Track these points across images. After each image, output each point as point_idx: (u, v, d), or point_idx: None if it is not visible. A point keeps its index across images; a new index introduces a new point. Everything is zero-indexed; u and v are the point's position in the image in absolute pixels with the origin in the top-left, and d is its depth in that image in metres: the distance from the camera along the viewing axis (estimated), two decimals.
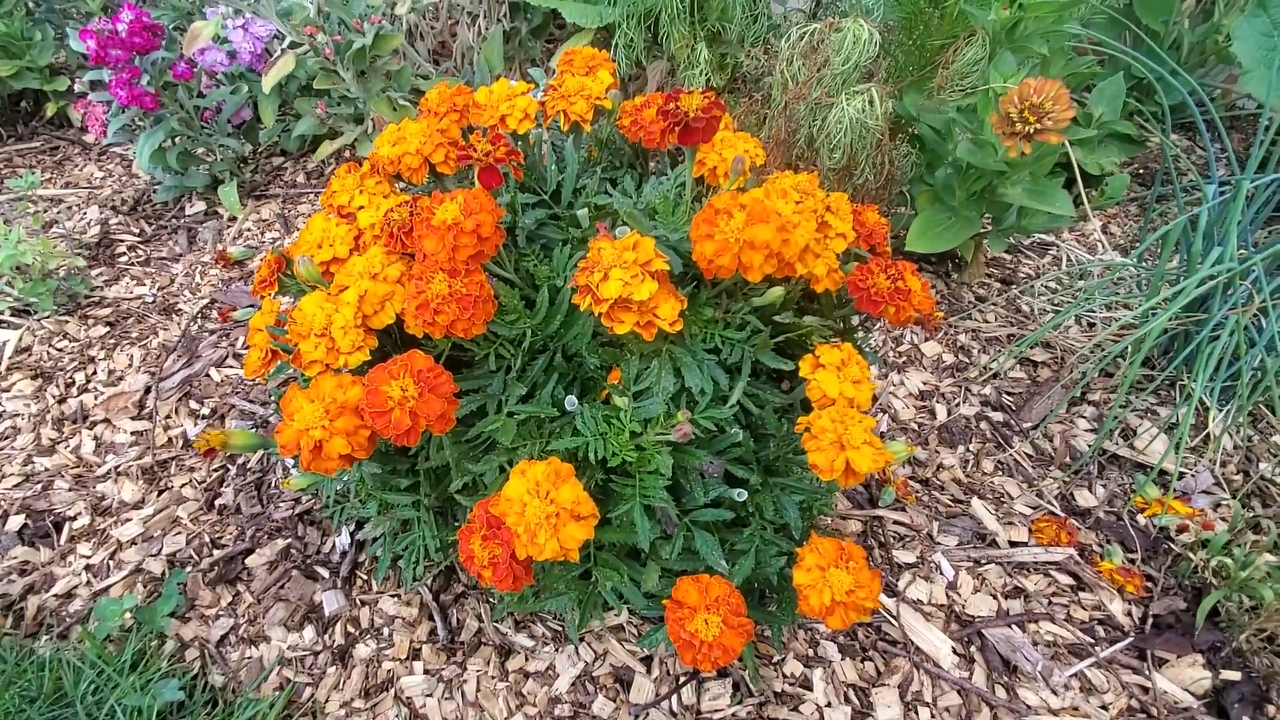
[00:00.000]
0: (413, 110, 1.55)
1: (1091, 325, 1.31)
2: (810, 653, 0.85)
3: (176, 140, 1.45)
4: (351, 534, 0.92)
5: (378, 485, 0.78)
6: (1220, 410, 1.10)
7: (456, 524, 0.83)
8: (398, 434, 0.58)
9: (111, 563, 0.92)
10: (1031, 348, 1.25)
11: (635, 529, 0.65)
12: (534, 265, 0.71)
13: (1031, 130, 0.97)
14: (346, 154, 1.66)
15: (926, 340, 1.28)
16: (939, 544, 0.97)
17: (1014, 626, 0.88)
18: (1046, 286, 1.45)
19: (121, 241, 1.49)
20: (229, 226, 1.53)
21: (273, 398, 0.97)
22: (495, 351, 0.69)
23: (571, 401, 0.67)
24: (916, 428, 1.15)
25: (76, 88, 1.37)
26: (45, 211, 1.58)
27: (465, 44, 1.71)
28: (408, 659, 0.84)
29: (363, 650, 0.85)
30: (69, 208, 1.60)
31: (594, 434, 0.65)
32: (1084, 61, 1.38)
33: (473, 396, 0.70)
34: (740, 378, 0.71)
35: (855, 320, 0.88)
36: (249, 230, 1.51)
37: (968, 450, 1.11)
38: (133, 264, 1.44)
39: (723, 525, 0.73)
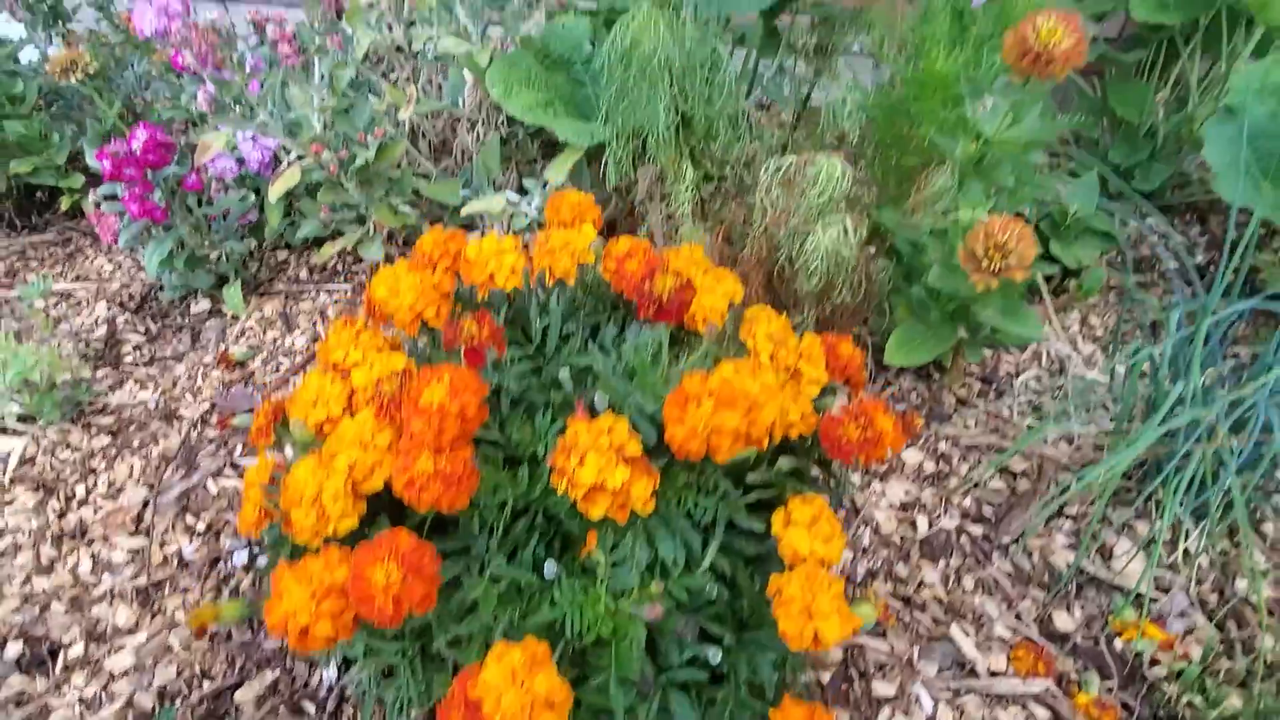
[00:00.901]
0: (412, 214, 1.61)
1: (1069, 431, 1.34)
2: None
3: (185, 245, 1.51)
4: (339, 668, 0.94)
5: (363, 633, 0.80)
6: (1196, 527, 1.12)
7: (444, 661, 0.85)
8: (381, 619, 0.61)
9: (104, 694, 0.94)
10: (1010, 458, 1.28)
11: (611, 696, 0.67)
12: (516, 430, 0.75)
13: (997, 268, 1.02)
14: (348, 253, 1.71)
15: (908, 447, 1.31)
16: (919, 672, 0.98)
17: None
18: (1027, 386, 1.49)
19: (127, 341, 1.54)
20: (232, 324, 1.57)
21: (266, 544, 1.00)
22: (479, 514, 0.73)
23: (550, 569, 0.70)
24: (899, 542, 1.17)
25: (90, 199, 1.43)
26: (54, 307, 1.64)
27: (465, 143, 1.79)
28: None
29: None
30: (78, 303, 1.65)
31: (571, 603, 0.68)
32: (1056, 176, 1.44)
33: (456, 559, 0.73)
34: (714, 537, 0.74)
35: None
36: (251, 329, 1.56)
37: (949, 566, 1.13)
38: (137, 364, 1.49)
39: (699, 681, 0.75)
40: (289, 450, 0.83)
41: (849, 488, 1.09)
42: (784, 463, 0.84)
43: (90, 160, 1.39)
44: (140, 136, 1.36)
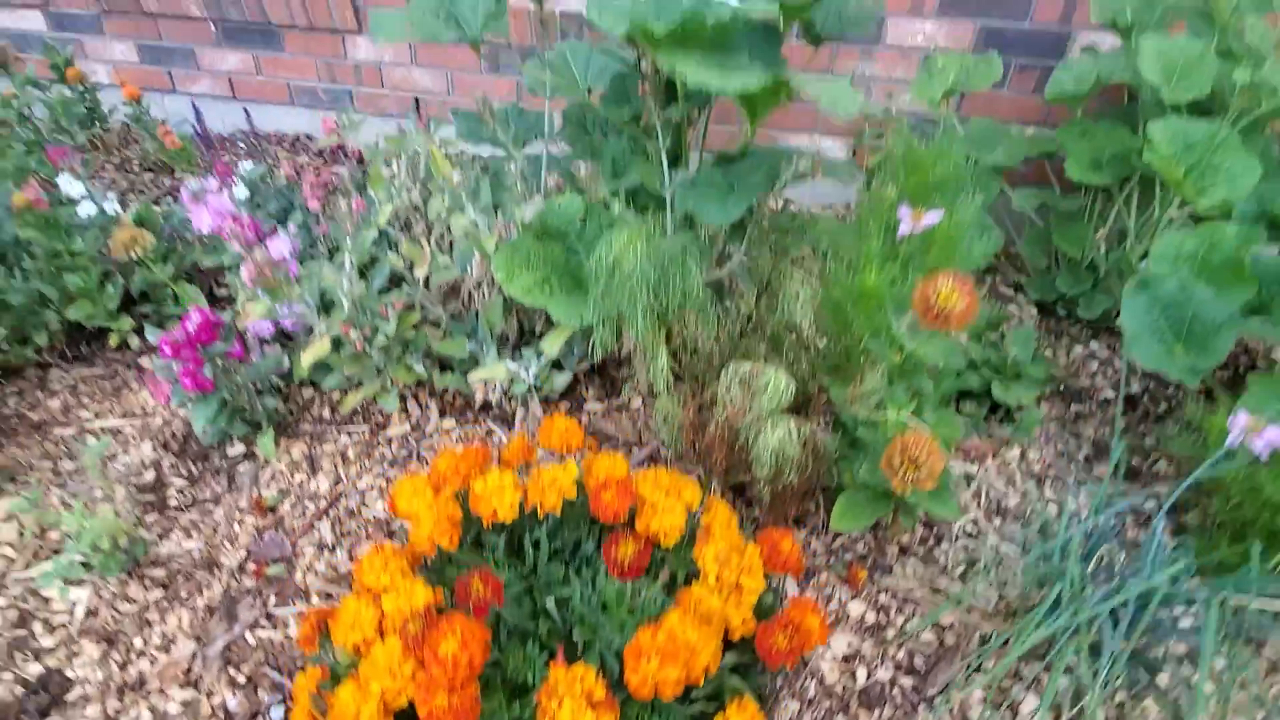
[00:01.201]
0: (424, 369, 1.83)
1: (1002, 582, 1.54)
2: None
3: (227, 404, 1.73)
4: None
5: None
6: (1094, 683, 1.31)
7: None
8: None
9: None
10: None
11: None
12: (512, 657, 0.95)
13: (910, 479, 1.24)
14: (369, 405, 1.93)
15: (853, 599, 1.51)
16: None
17: None
18: (964, 530, 1.69)
19: (172, 484, 1.74)
20: (264, 468, 1.78)
21: None
22: None
23: None
24: (840, 692, 1.36)
25: (148, 371, 1.65)
26: (104, 444, 1.85)
27: (471, 291, 2.02)
28: None
29: None
30: (125, 440, 1.86)
31: None
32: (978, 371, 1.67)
33: None
34: None
35: None
36: (281, 473, 1.77)
37: (881, 717, 1.32)
38: (181, 508, 1.69)
39: None
40: (333, 655, 1.04)
41: (785, 673, 1.29)
42: (729, 658, 1.04)
43: (150, 337, 1.61)
44: (194, 319, 1.59)
